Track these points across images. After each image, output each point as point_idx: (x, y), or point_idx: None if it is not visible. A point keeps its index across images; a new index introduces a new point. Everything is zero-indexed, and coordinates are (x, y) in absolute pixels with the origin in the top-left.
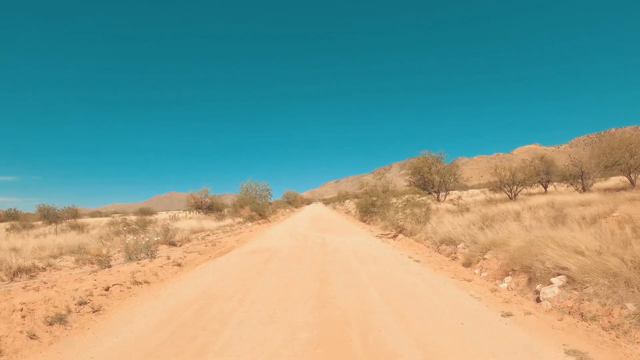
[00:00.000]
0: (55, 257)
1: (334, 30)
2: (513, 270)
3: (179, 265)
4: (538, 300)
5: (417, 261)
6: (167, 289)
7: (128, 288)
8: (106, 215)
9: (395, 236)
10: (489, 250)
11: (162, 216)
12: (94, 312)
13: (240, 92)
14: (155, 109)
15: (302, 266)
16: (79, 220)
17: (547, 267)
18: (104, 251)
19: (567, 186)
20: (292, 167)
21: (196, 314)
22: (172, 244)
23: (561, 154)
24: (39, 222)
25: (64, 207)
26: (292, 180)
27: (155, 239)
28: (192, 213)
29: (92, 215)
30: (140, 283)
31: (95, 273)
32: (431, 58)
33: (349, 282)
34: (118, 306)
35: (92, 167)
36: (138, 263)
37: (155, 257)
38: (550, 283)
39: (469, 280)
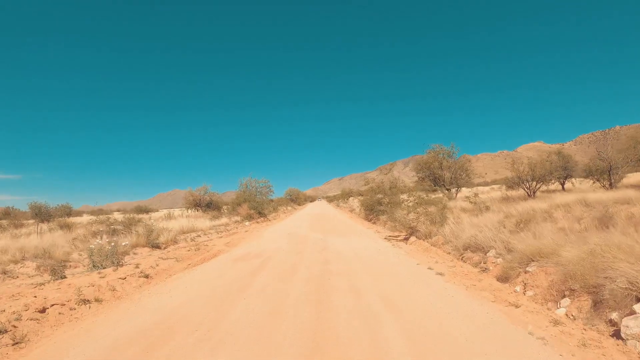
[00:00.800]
0: (16, 262)
1: (343, 44)
2: (570, 289)
3: (146, 276)
4: (617, 335)
5: (441, 274)
6: (119, 311)
7: (71, 309)
8: (108, 213)
9: (406, 239)
10: (532, 261)
11: (158, 214)
12: (13, 344)
13: (245, 99)
14: (164, 114)
15: (296, 280)
16: (69, 219)
17: (620, 287)
18: (75, 255)
19: (593, 182)
20: (296, 166)
21: (137, 358)
22: (156, 246)
23: (565, 151)
24: (31, 221)
25: (58, 205)
26: (296, 178)
27: (124, 243)
28: (189, 211)
29: (94, 213)
30: (89, 302)
31: (42, 286)
32: (434, 64)
33: (356, 309)
34: (48, 336)
35: (98, 166)
36: (99, 273)
37: (122, 265)
38: (633, 312)
39: (517, 306)
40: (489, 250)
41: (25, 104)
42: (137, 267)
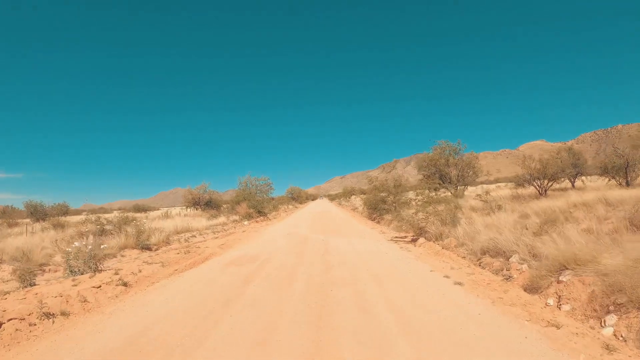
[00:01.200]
0: None
1: (346, 46)
2: (616, 304)
3: (124, 284)
4: None
5: (460, 284)
6: (85, 327)
7: (30, 325)
8: (108, 212)
9: (414, 240)
10: (566, 269)
11: (155, 213)
12: None
13: (248, 100)
14: (165, 115)
15: (293, 291)
16: (63, 219)
17: None
18: (57, 258)
19: (609, 180)
20: (299, 165)
21: None
22: (146, 247)
23: (576, 148)
24: (27, 220)
25: (54, 204)
26: (298, 177)
27: (102, 246)
28: (188, 210)
29: (95, 211)
30: (54, 315)
31: (5, 295)
32: (435, 65)
33: (366, 333)
34: None
35: (101, 166)
36: (73, 280)
37: (100, 271)
38: None
39: (557, 327)
40: (511, 255)
41: (27, 105)
42: (116, 273)
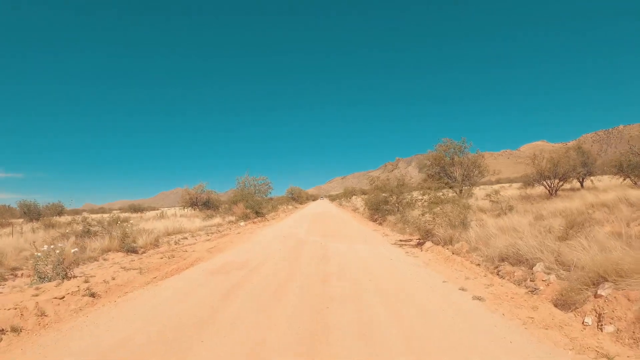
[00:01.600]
0: None
1: (347, 48)
2: None
3: (92, 295)
4: None
5: (479, 299)
6: (33, 349)
7: None
8: (106, 212)
9: (420, 244)
10: (605, 280)
11: (151, 213)
12: None
13: (251, 102)
14: (167, 117)
15: (282, 309)
16: (56, 219)
17: None
18: (32, 262)
19: (624, 179)
20: (300, 165)
21: None
22: (132, 250)
23: (585, 147)
24: (21, 220)
25: (48, 204)
26: (299, 177)
27: (73, 250)
28: (186, 210)
29: (95, 212)
30: (3, 332)
31: None
32: (437, 68)
33: None
34: None
35: (104, 166)
36: (36, 289)
37: (70, 278)
38: None
39: (609, 358)
40: (535, 264)
41: (28, 105)
42: (87, 281)
